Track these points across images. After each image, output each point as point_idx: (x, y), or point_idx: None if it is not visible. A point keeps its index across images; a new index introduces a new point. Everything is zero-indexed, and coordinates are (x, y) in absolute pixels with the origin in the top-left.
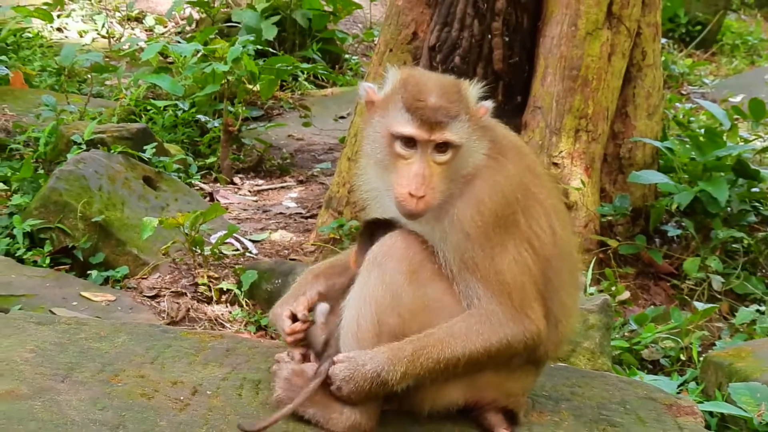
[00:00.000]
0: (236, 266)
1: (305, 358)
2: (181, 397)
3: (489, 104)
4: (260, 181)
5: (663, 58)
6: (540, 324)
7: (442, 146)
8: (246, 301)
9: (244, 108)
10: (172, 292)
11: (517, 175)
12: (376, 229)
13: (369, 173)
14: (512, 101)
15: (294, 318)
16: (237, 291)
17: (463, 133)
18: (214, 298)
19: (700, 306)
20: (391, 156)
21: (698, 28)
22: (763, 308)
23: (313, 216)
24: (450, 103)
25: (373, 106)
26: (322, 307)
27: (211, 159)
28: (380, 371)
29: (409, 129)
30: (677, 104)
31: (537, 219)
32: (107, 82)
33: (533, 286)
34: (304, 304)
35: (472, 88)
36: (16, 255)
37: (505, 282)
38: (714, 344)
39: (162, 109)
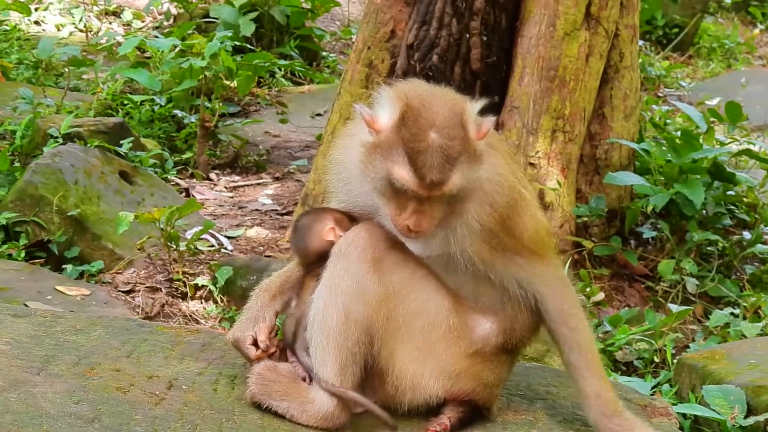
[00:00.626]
0: (211, 262)
1: (281, 353)
2: (157, 392)
3: (489, 123)
4: (236, 178)
5: (640, 60)
6: (561, 268)
7: None
8: (221, 298)
9: (221, 104)
10: (147, 287)
11: (507, 162)
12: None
13: (340, 168)
14: (489, 101)
15: (256, 344)
16: (212, 287)
17: (463, 176)
18: (189, 294)
19: (674, 308)
20: (392, 190)
21: (675, 30)
22: (737, 311)
23: (289, 213)
24: (451, 142)
25: (376, 133)
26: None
27: (188, 154)
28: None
29: (410, 185)
30: (654, 106)
31: (531, 192)
32: (84, 76)
33: (548, 235)
34: (265, 333)
35: (474, 110)
36: None
37: (530, 249)
38: (688, 346)
39: (139, 103)
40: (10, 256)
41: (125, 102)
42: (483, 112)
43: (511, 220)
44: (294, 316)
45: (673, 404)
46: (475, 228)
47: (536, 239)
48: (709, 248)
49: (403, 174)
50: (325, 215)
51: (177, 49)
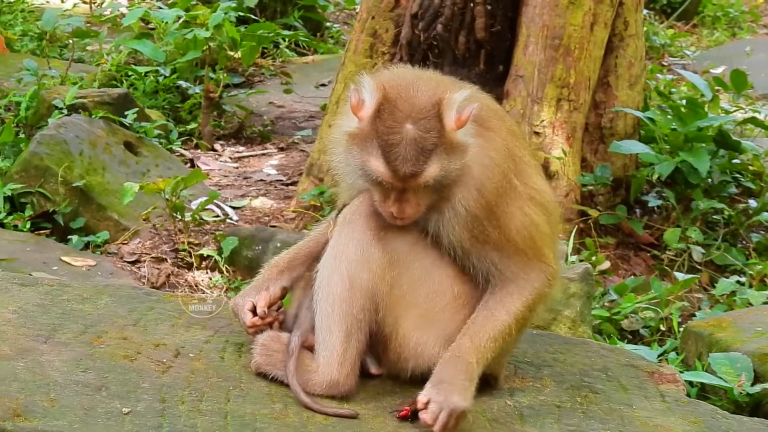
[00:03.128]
0: (217, 232)
1: (281, 325)
2: (164, 360)
3: (470, 110)
4: (241, 148)
5: (644, 29)
6: (554, 264)
7: None
8: (226, 268)
9: (225, 74)
10: (152, 257)
11: (504, 144)
12: None
13: (338, 150)
14: (494, 70)
15: (255, 311)
16: (217, 257)
17: (441, 167)
18: (195, 264)
19: (680, 276)
20: (372, 179)
21: None
22: (743, 279)
23: (294, 183)
24: (426, 134)
25: (358, 120)
26: None
27: (192, 125)
28: (478, 363)
29: (384, 177)
30: (658, 75)
31: (529, 177)
32: (88, 48)
33: (541, 236)
34: (265, 300)
35: (454, 98)
36: None
37: (516, 244)
38: (694, 315)
39: (143, 74)
40: (15, 227)
41: (129, 73)
42: (486, 82)
43: (498, 207)
44: (296, 299)
45: (680, 372)
46: (461, 213)
47: (524, 236)
48: (714, 216)
49: (377, 166)
50: None
51: (181, 20)
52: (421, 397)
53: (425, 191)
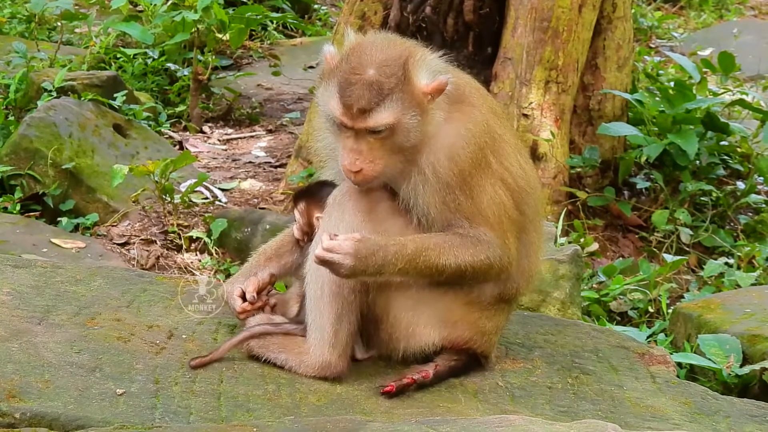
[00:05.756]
0: (206, 214)
1: (273, 309)
2: (157, 341)
3: (444, 78)
4: (229, 130)
5: (632, 11)
6: (513, 254)
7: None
8: (216, 250)
9: (213, 57)
10: (141, 239)
11: (484, 120)
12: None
13: (324, 134)
14: (483, 52)
15: (244, 297)
16: (207, 239)
17: (395, 113)
18: (184, 246)
19: (668, 258)
20: (335, 128)
21: None
22: (731, 261)
23: (283, 165)
24: (386, 79)
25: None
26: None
27: (181, 107)
28: (385, 262)
29: (336, 114)
30: (646, 57)
31: (506, 157)
32: (77, 30)
33: (508, 220)
34: (254, 285)
35: (429, 60)
36: None
37: (487, 218)
38: (682, 296)
39: (132, 57)
40: (5, 209)
41: (118, 55)
42: (475, 64)
43: (472, 179)
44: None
45: (669, 353)
46: (431, 180)
47: (495, 210)
48: (702, 198)
49: (332, 103)
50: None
51: (169, 2)
52: (341, 237)
53: (382, 147)
